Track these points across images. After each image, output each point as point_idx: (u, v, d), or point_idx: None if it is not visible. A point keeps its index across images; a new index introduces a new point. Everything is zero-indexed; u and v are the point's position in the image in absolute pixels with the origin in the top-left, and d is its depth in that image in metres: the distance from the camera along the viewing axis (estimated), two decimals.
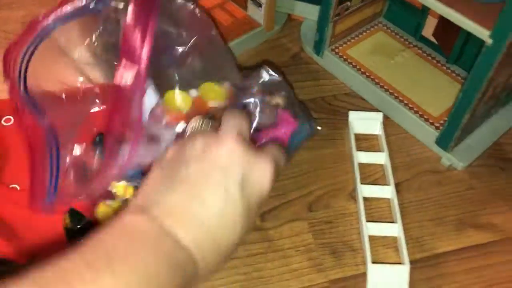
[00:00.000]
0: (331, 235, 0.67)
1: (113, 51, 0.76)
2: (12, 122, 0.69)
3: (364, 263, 0.64)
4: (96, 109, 0.69)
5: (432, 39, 0.85)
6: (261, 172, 0.45)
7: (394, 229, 0.66)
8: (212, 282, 0.62)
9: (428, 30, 0.85)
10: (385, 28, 0.89)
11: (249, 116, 0.50)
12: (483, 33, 0.60)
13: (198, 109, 0.60)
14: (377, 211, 0.70)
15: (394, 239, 0.66)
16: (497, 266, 0.65)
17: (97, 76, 0.83)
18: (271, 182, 0.46)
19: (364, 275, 0.63)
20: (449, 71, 0.82)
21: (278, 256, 0.65)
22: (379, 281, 0.62)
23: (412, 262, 0.63)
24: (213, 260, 0.43)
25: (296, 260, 0.65)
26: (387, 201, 0.70)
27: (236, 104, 0.61)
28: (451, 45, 0.82)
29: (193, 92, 0.62)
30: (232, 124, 0.47)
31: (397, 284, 0.62)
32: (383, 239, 0.66)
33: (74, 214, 0.62)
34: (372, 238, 0.65)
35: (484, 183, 0.73)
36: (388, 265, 0.63)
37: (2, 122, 0.69)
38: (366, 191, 0.70)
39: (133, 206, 0.44)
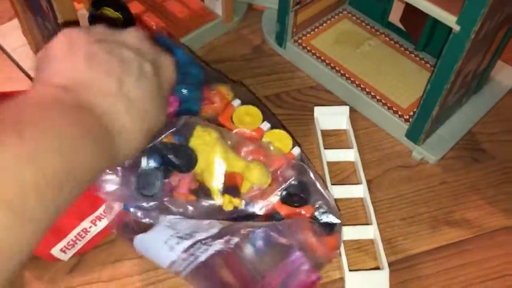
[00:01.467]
0: None
1: None
2: None
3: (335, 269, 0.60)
4: None
5: (400, 25, 0.81)
6: (167, 61, 0.47)
7: (369, 232, 0.62)
8: None
9: (395, 15, 0.81)
10: (350, 15, 0.85)
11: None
12: (449, 19, 0.55)
13: None
14: (349, 212, 0.66)
15: (368, 241, 0.62)
16: (474, 264, 0.62)
17: None
18: (173, 75, 0.48)
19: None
20: (418, 58, 0.78)
21: None
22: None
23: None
24: (132, 134, 0.42)
25: None
26: (360, 200, 0.66)
27: None
28: (419, 31, 0.77)
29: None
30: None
31: None
32: (357, 242, 0.62)
33: None
34: (345, 242, 0.61)
35: (458, 176, 0.69)
36: (366, 272, 0.59)
37: None
38: (337, 191, 0.65)
39: (45, 79, 0.41)
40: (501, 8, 0.56)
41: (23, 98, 0.38)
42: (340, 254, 0.59)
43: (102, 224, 0.60)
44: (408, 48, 0.80)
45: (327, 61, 0.78)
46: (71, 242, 0.59)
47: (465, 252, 0.63)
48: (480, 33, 0.56)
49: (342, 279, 0.59)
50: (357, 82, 0.75)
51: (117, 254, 0.61)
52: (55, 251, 0.58)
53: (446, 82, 0.60)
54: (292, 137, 0.63)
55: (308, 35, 0.82)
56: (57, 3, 0.59)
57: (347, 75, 0.76)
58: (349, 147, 0.71)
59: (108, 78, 0.41)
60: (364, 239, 0.63)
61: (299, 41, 0.81)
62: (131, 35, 0.45)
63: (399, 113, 0.72)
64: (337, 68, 0.77)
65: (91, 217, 0.59)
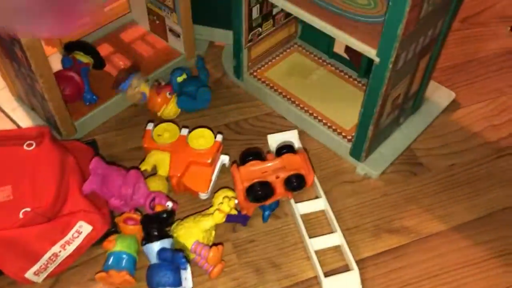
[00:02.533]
0: (254, 253, 0.70)
1: (32, 94, 0.77)
2: (33, 146, 0.72)
3: (285, 277, 0.67)
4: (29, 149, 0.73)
5: (344, 55, 0.90)
6: None
7: (335, 239, 0.70)
8: None
9: (340, 46, 0.90)
10: (300, 48, 0.94)
11: None
12: (370, 52, 0.64)
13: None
14: (312, 223, 0.73)
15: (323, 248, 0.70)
16: (411, 266, 0.69)
17: (19, 117, 0.84)
18: None
19: None
20: (360, 84, 0.87)
21: (203, 280, 0.67)
22: None
23: (331, 271, 0.66)
24: None
25: (221, 281, 0.67)
26: (314, 214, 0.74)
27: None
28: (360, 60, 0.86)
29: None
30: None
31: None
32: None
33: None
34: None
35: (398, 189, 0.77)
36: (339, 275, 0.66)
37: (24, 147, 0.72)
38: (302, 208, 0.73)
39: None
40: (415, 40, 0.65)
41: None
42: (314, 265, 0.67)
43: (71, 247, 0.66)
44: (352, 75, 0.89)
45: (279, 91, 0.86)
46: (43, 266, 0.65)
47: (403, 256, 0.70)
48: (398, 62, 0.64)
49: (313, 278, 0.67)
50: (305, 108, 0.83)
51: (90, 274, 0.68)
52: (29, 274, 0.64)
53: (375, 105, 0.68)
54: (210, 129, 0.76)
55: (262, 68, 0.90)
56: (30, 52, 0.67)
57: (297, 102, 0.84)
58: None
59: None
60: (331, 246, 0.70)
61: (255, 73, 0.89)
62: None
63: (343, 134, 0.80)
64: (288, 97, 0.85)
65: (61, 241, 0.65)
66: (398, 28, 0.59)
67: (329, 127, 0.81)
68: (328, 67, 0.90)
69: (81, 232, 0.66)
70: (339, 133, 0.80)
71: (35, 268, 0.64)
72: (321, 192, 0.74)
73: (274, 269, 0.68)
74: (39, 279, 0.65)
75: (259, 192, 0.66)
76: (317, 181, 0.75)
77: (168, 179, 0.74)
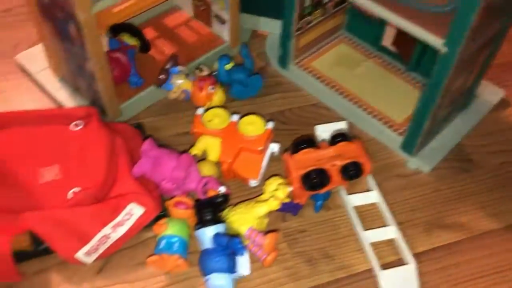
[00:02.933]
0: (305, 243, 0.69)
1: (80, 74, 0.76)
2: (81, 127, 0.72)
3: (338, 268, 0.66)
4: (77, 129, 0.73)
5: (392, 48, 0.89)
6: None
7: (390, 232, 0.68)
8: None
9: (388, 39, 0.88)
10: (347, 40, 0.92)
11: None
12: (437, 42, 0.63)
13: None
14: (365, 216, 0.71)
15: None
16: (467, 263, 0.67)
17: (63, 98, 0.83)
18: None
19: (339, 280, 0.65)
20: (409, 78, 0.86)
21: (254, 268, 0.65)
22: (391, 285, 0.63)
23: (385, 265, 0.65)
24: None
25: (273, 270, 0.66)
26: (365, 207, 0.72)
27: None
28: (410, 54, 0.85)
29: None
30: None
31: (408, 284, 0.64)
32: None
33: (35, 236, 0.62)
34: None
35: (449, 184, 0.76)
36: (396, 268, 0.64)
37: (72, 126, 0.72)
38: (354, 200, 0.71)
39: None
40: (483, 31, 0.64)
41: None
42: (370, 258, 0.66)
43: (122, 230, 0.65)
44: (400, 69, 0.87)
45: (327, 81, 0.85)
46: (94, 247, 0.64)
47: (458, 253, 0.69)
48: (465, 53, 0.63)
49: (367, 271, 0.65)
50: (354, 100, 0.82)
51: (139, 257, 0.66)
52: (80, 255, 0.63)
53: (435, 98, 0.67)
54: (260, 116, 0.74)
55: (308, 57, 0.89)
56: (86, 29, 0.66)
57: (345, 93, 0.83)
58: None
59: None
60: (385, 239, 0.68)
61: (301, 63, 0.88)
62: None
63: (394, 127, 0.78)
64: (336, 87, 0.84)
65: (112, 223, 0.64)
66: (471, 16, 0.57)
67: (380, 119, 0.79)
68: (376, 59, 0.89)
69: (132, 214, 0.65)
70: (390, 126, 0.79)
71: (85, 248, 0.63)
72: (373, 185, 0.73)
73: (327, 260, 0.67)
74: (89, 260, 0.64)
75: (316, 179, 0.65)
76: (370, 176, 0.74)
77: (217, 164, 0.73)
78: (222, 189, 0.69)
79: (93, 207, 0.64)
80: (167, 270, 0.64)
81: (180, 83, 0.80)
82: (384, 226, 0.70)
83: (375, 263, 0.65)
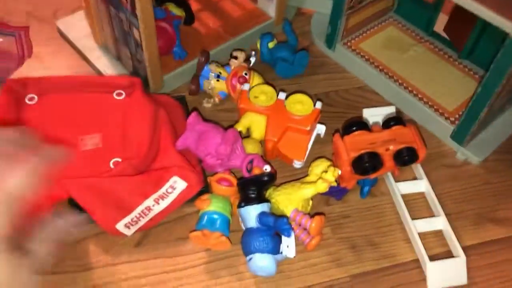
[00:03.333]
0: (349, 229, 0.66)
1: (124, 42, 0.74)
2: (124, 96, 0.70)
3: (383, 257, 0.64)
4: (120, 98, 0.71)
5: (444, 34, 0.85)
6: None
7: (438, 223, 0.66)
8: (230, 277, 0.61)
9: (440, 25, 0.85)
10: (396, 22, 0.89)
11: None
12: (507, 25, 0.59)
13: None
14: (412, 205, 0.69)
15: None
16: None
17: (103, 66, 0.81)
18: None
19: (384, 269, 0.63)
20: (461, 66, 0.82)
21: (297, 250, 0.63)
22: (438, 277, 0.61)
23: (432, 256, 0.62)
24: None
25: (315, 254, 0.63)
26: (412, 196, 0.70)
27: None
28: (463, 40, 0.81)
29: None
30: None
31: (456, 277, 0.61)
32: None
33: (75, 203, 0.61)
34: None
35: (500, 178, 0.73)
36: (445, 260, 0.62)
37: (114, 95, 0.71)
38: (402, 188, 0.69)
39: None
40: None
41: None
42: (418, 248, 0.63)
43: (164, 203, 0.63)
44: (451, 56, 0.83)
45: (375, 64, 0.82)
46: (135, 219, 0.62)
47: (509, 249, 0.66)
48: None
49: (413, 262, 0.63)
50: (404, 85, 0.79)
51: (179, 232, 0.65)
52: (120, 226, 0.62)
53: (497, 85, 0.63)
54: (309, 95, 0.71)
55: (356, 38, 0.86)
56: None
57: (394, 78, 0.80)
58: None
59: None
60: (433, 230, 0.66)
61: (348, 44, 0.85)
62: None
63: (445, 115, 0.75)
64: (385, 71, 0.81)
65: (155, 195, 0.62)
66: None
67: (430, 106, 0.76)
68: (426, 44, 0.85)
69: (175, 188, 0.63)
70: (441, 114, 0.75)
71: (126, 220, 0.61)
72: (422, 174, 0.70)
73: (372, 248, 0.65)
74: (129, 231, 0.62)
75: (368, 163, 0.62)
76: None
77: (262, 142, 0.70)
78: (268, 168, 0.66)
79: (135, 178, 0.62)
80: (208, 246, 0.62)
81: (212, 89, 0.77)
82: (432, 216, 0.67)
83: (422, 254, 0.62)
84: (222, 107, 0.78)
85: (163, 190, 0.62)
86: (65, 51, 0.85)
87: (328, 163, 0.66)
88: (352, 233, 0.66)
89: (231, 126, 0.72)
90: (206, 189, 0.66)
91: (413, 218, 0.65)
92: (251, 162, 0.66)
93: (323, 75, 0.85)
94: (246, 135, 0.72)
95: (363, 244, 0.65)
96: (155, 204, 0.63)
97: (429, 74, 0.81)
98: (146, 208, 0.62)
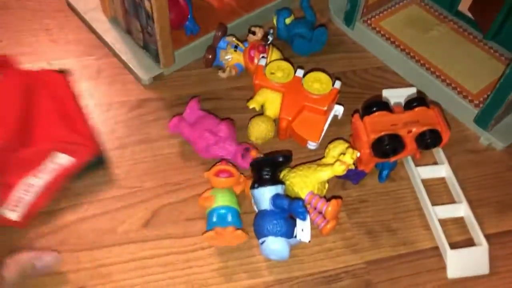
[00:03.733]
0: (366, 214, 0.63)
1: (135, 15, 0.71)
2: None
3: (401, 243, 0.61)
4: None
5: (469, 14, 0.81)
6: None
7: (460, 210, 0.63)
8: (241, 260, 0.58)
9: (465, 4, 0.81)
10: (419, 1, 0.85)
11: None
12: None
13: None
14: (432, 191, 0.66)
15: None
16: None
17: (112, 39, 0.78)
18: None
19: (402, 256, 0.60)
20: (486, 47, 0.78)
21: (311, 235, 0.61)
22: (459, 266, 0.58)
23: (454, 244, 0.60)
24: None
25: (330, 239, 0.61)
26: (437, 181, 0.67)
27: None
28: (489, 21, 0.77)
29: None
30: None
31: (477, 266, 0.58)
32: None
33: None
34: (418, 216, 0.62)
35: None
36: (467, 248, 0.59)
37: None
38: (422, 173, 0.66)
39: None
40: None
41: None
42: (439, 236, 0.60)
43: (46, 177, 0.60)
44: (476, 36, 0.80)
45: (396, 43, 0.78)
46: (18, 198, 0.59)
47: None
48: None
49: (432, 249, 0.60)
50: (426, 65, 0.75)
51: (189, 213, 0.62)
52: (4, 210, 0.58)
53: None
54: (327, 74, 0.68)
55: (377, 16, 0.82)
56: None
57: (416, 58, 0.76)
58: None
59: None
60: (453, 217, 0.63)
61: (368, 22, 0.81)
62: None
63: (469, 98, 0.72)
64: (406, 50, 0.77)
65: (35, 171, 0.60)
66: None
67: (453, 88, 0.73)
68: (450, 24, 0.81)
69: (57, 162, 0.61)
70: (465, 97, 0.72)
71: (9, 201, 0.58)
72: (444, 158, 0.67)
73: (389, 234, 0.62)
74: (15, 214, 0.58)
75: (389, 145, 0.59)
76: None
77: (276, 121, 0.68)
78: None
79: (12, 156, 0.60)
80: (225, 244, 0.59)
81: (229, 59, 0.74)
82: (453, 203, 0.64)
83: (442, 241, 0.59)
84: (236, 85, 0.75)
85: (43, 165, 0.60)
86: (74, 23, 0.82)
87: (346, 145, 0.63)
88: (369, 218, 0.63)
89: (245, 104, 0.69)
90: (101, 160, 0.65)
91: (433, 204, 0.62)
92: (247, 149, 0.64)
93: (341, 54, 0.81)
94: (260, 112, 0.69)
95: (380, 229, 0.62)
96: (35, 179, 0.60)
97: (452, 55, 0.77)
98: (27, 185, 0.59)
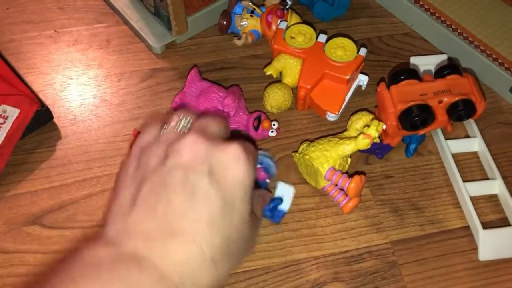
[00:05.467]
0: (391, 191, 0.59)
1: None
2: None
3: (429, 222, 0.57)
4: None
5: None
6: (231, 158, 0.37)
7: (494, 187, 0.58)
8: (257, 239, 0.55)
9: None
10: None
11: (224, 119, 0.42)
12: None
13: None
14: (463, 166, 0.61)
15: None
16: None
17: (121, 4, 0.74)
18: (246, 168, 0.37)
19: (429, 236, 0.56)
20: None
21: (331, 213, 0.57)
22: (492, 247, 0.54)
23: (486, 224, 0.55)
24: (210, 273, 0.35)
25: (352, 217, 0.57)
26: (469, 155, 0.62)
27: None
28: None
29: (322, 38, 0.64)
30: (199, 124, 0.39)
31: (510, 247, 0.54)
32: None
33: None
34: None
35: None
36: (501, 229, 0.55)
37: None
38: (453, 146, 0.61)
39: (104, 237, 0.36)
40: None
41: (87, 258, 0.34)
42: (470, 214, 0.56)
43: (1, 134, 0.57)
44: None
45: (424, 6, 0.72)
46: None
47: None
48: None
49: (463, 229, 0.56)
50: (458, 30, 0.69)
51: None
52: None
53: None
54: (352, 40, 0.63)
55: None
56: None
57: (446, 22, 0.70)
58: None
59: (166, 222, 0.35)
60: (486, 194, 0.59)
61: None
62: (185, 145, 0.37)
63: (505, 65, 0.66)
64: (436, 14, 0.71)
65: None
66: None
67: (488, 55, 0.67)
68: None
69: (7, 116, 0.58)
70: (501, 64, 0.66)
71: None
72: (476, 131, 0.62)
73: (416, 212, 0.58)
74: None
75: (418, 117, 0.54)
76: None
77: (294, 90, 0.63)
78: (276, 124, 0.60)
79: None
80: None
81: (244, 25, 0.69)
82: (486, 179, 0.59)
83: (474, 220, 0.55)
84: (252, 53, 0.71)
85: None
86: (93, 2, 0.78)
87: (371, 116, 0.59)
88: (395, 195, 0.59)
89: (262, 73, 0.65)
90: (47, 113, 0.62)
91: (464, 181, 0.58)
92: (258, 118, 0.59)
93: (365, 19, 0.76)
94: (278, 79, 0.65)
95: (406, 207, 0.58)
96: None
97: (487, 18, 0.71)
98: None
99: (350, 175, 0.55)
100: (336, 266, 0.54)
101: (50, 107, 0.63)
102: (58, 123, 0.64)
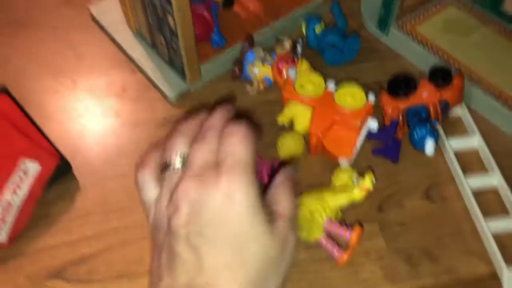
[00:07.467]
0: (405, 239, 0.60)
1: (159, 30, 0.69)
2: None
3: (445, 272, 0.57)
4: None
5: None
6: (223, 193, 0.36)
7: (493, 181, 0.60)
8: None
9: (510, 3, 0.75)
10: (457, 2, 0.79)
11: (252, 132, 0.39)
12: None
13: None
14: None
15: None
16: None
17: (137, 54, 0.76)
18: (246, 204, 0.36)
19: (444, 286, 0.56)
20: None
21: (345, 263, 0.57)
22: None
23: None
24: None
25: (367, 268, 0.57)
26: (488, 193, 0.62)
27: None
28: None
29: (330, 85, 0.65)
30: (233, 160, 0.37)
31: None
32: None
33: None
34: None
35: None
36: None
37: None
38: (471, 182, 0.62)
39: None
40: None
41: None
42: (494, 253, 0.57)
43: (23, 192, 0.58)
44: None
45: (434, 49, 0.73)
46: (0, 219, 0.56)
47: None
48: None
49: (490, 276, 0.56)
50: (467, 73, 0.70)
51: None
52: None
53: None
54: (361, 86, 0.65)
55: (412, 21, 0.77)
56: None
57: (456, 65, 0.71)
58: (468, 135, 0.66)
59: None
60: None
61: (403, 26, 0.76)
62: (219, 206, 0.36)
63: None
64: (445, 57, 0.72)
65: (9, 186, 0.57)
66: None
67: (498, 97, 0.67)
68: (493, 26, 0.76)
69: (27, 171, 0.58)
70: (510, 107, 0.66)
71: None
72: (496, 168, 0.63)
73: (430, 261, 0.58)
74: (1, 237, 0.56)
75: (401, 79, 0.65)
76: (487, 150, 0.64)
77: (305, 137, 0.65)
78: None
79: None
80: None
81: (256, 73, 0.71)
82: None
83: (498, 259, 0.55)
84: (265, 98, 0.72)
85: (15, 177, 0.58)
86: (98, 37, 0.81)
87: (346, 172, 0.60)
88: (409, 244, 0.59)
89: (274, 119, 0.66)
90: (66, 166, 0.63)
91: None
92: (272, 168, 0.61)
93: (375, 62, 0.77)
94: (289, 128, 0.66)
95: (421, 256, 0.58)
96: (13, 196, 0.57)
97: (497, 60, 0.72)
98: (6, 204, 0.57)
99: (347, 225, 0.56)
100: None
101: (68, 158, 0.64)
102: (76, 173, 0.65)
